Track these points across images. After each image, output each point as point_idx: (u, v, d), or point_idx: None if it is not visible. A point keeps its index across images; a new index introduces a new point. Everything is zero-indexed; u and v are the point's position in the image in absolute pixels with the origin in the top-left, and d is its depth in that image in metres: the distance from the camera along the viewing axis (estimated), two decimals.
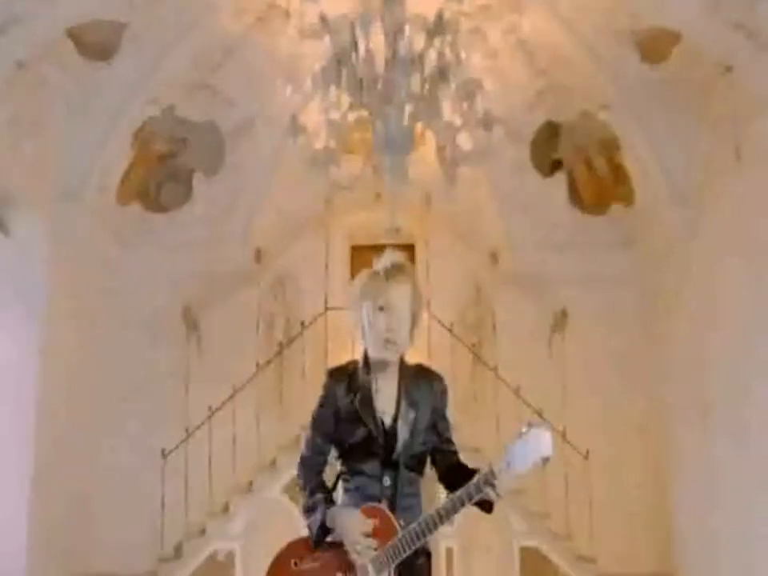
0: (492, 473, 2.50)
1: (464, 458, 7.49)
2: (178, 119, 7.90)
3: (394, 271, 2.67)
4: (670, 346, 7.92)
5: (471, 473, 2.58)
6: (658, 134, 7.38)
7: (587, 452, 7.56)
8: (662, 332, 8.10)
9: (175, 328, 8.46)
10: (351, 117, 5.77)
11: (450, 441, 2.79)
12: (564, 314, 8.50)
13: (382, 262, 2.71)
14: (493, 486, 2.49)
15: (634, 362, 8.27)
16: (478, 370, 8.36)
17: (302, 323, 8.19)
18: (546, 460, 2.43)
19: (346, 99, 5.70)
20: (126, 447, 8.05)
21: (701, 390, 7.26)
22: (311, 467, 2.72)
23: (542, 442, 2.43)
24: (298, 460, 2.75)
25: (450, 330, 8.15)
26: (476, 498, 2.52)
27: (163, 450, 7.52)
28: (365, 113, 5.74)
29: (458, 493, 2.52)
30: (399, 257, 2.72)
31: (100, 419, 8.00)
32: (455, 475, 2.67)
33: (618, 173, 8.08)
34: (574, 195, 8.40)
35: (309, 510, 2.64)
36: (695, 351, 7.37)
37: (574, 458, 7.52)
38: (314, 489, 2.67)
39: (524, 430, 2.46)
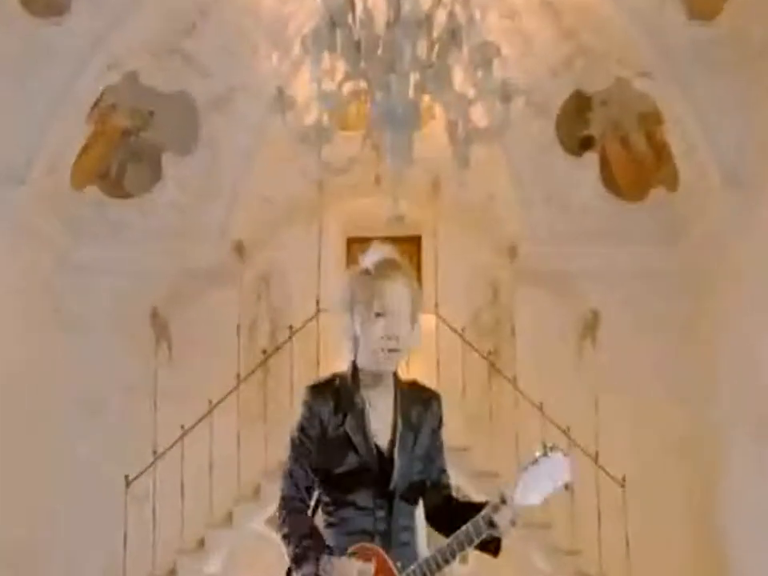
0: (496, 507, 2.51)
1: (477, 484, 7.44)
2: (144, 89, 7.94)
3: (387, 268, 2.66)
4: (720, 354, 7.92)
5: (468, 510, 2.59)
6: (707, 106, 7.38)
7: (623, 478, 7.57)
8: (710, 337, 8.10)
9: (141, 333, 8.49)
10: (347, 88, 5.80)
11: (445, 472, 2.80)
12: (595, 316, 8.53)
13: (370, 257, 2.70)
14: (494, 525, 2.50)
15: (677, 372, 8.28)
16: (494, 382, 8.38)
17: (291, 328, 8.21)
18: (562, 486, 2.53)
19: (341, 67, 5.74)
20: (82, 473, 8.05)
21: (756, 405, 7.27)
22: (296, 510, 2.68)
23: (558, 467, 2.51)
24: (280, 500, 2.72)
25: (462, 336, 8.19)
26: (480, 539, 2.53)
27: (126, 477, 7.53)
28: (363, 83, 5.78)
29: (463, 529, 2.53)
30: (389, 251, 2.73)
31: (50, 440, 7.99)
32: (448, 513, 2.69)
33: (660, 151, 8.10)
34: (608, 178, 8.43)
35: (298, 561, 2.62)
36: (750, 359, 7.36)
37: (608, 486, 7.56)
38: (303, 535, 2.63)
39: (538, 454, 2.52)
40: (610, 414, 8.11)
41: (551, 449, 2.53)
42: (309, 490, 2.70)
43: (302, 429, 2.69)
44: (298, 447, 2.69)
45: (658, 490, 7.98)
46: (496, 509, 2.51)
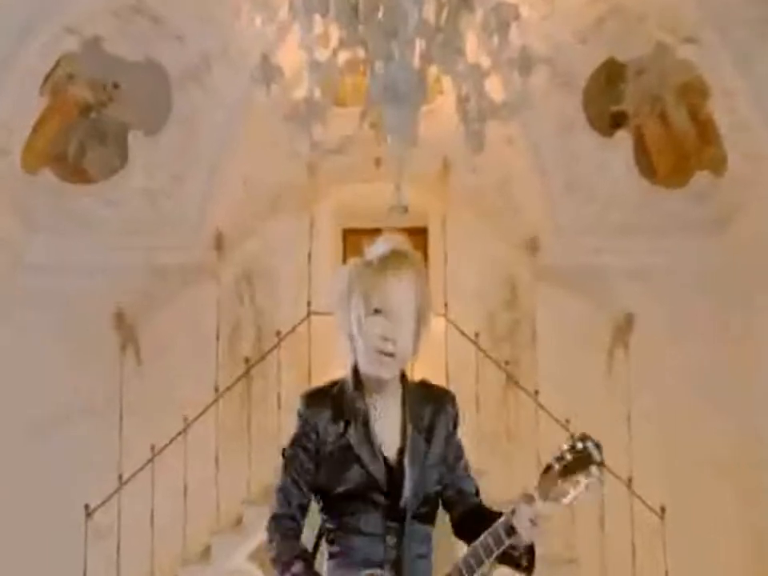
0: (515, 510, 2.49)
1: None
2: (107, 57, 7.95)
3: (393, 261, 2.67)
4: None
5: (492, 518, 2.57)
6: (761, 77, 7.39)
7: (662, 508, 7.56)
8: (759, 342, 8.11)
9: (105, 339, 8.48)
10: (342, 57, 5.80)
11: (468, 477, 2.81)
12: (628, 320, 8.53)
13: (377, 248, 2.72)
14: (515, 531, 2.48)
15: (722, 382, 8.28)
16: (513, 395, 8.41)
17: (278, 333, 8.22)
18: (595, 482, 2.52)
19: (335, 33, 5.72)
20: (36, 501, 8.01)
21: None
22: (286, 530, 2.69)
23: (588, 460, 2.49)
24: (269, 519, 2.73)
25: (475, 342, 8.19)
26: (501, 549, 2.52)
27: (87, 506, 7.50)
28: (361, 51, 5.76)
29: (481, 539, 2.53)
30: (400, 242, 2.73)
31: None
32: (476, 524, 2.65)
33: (705, 130, 8.09)
34: (643, 160, 8.42)
35: None
36: None
37: (644, 516, 7.53)
38: (292, 559, 2.63)
39: (565, 446, 2.50)
40: (645, 432, 8.13)
41: (580, 439, 2.51)
42: (302, 509, 2.71)
43: (296, 442, 2.71)
44: (291, 461, 2.71)
45: (701, 520, 7.95)
46: (515, 512, 2.49)
